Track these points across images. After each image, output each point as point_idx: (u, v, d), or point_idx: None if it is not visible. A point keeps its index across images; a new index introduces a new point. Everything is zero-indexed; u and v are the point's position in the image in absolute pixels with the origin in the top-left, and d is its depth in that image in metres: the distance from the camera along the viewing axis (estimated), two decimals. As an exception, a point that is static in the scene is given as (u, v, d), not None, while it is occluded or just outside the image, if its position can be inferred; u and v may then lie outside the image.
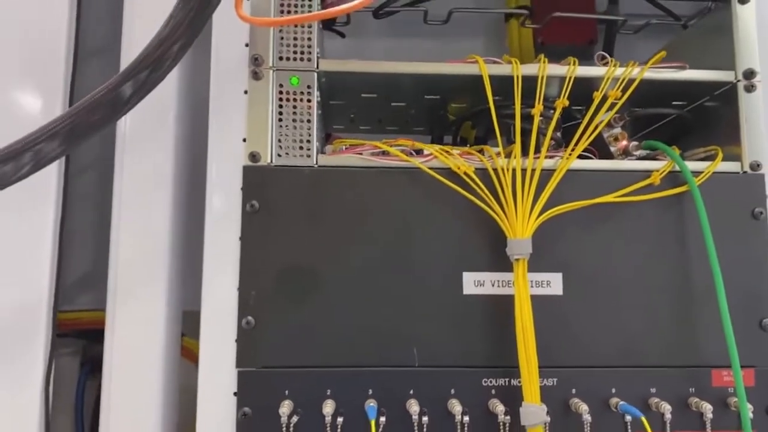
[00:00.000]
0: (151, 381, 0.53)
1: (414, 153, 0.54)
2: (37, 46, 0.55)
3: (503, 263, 0.51)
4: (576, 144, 0.53)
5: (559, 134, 0.58)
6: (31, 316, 0.53)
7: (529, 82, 0.54)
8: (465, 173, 0.51)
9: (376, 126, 0.70)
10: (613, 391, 0.51)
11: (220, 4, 0.45)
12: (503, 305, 0.51)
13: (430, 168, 0.52)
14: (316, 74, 0.53)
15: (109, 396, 0.53)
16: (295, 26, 0.53)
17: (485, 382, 0.51)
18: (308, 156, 0.52)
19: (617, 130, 0.60)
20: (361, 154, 0.53)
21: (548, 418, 0.48)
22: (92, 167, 0.78)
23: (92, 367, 0.81)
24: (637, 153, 0.59)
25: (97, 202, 0.78)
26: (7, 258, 0.52)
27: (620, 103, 0.55)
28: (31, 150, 0.44)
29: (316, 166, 0.52)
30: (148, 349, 0.54)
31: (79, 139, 0.45)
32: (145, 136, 0.55)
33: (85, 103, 0.45)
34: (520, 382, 0.49)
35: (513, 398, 0.50)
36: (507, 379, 0.51)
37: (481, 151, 0.53)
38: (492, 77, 0.54)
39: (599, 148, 0.58)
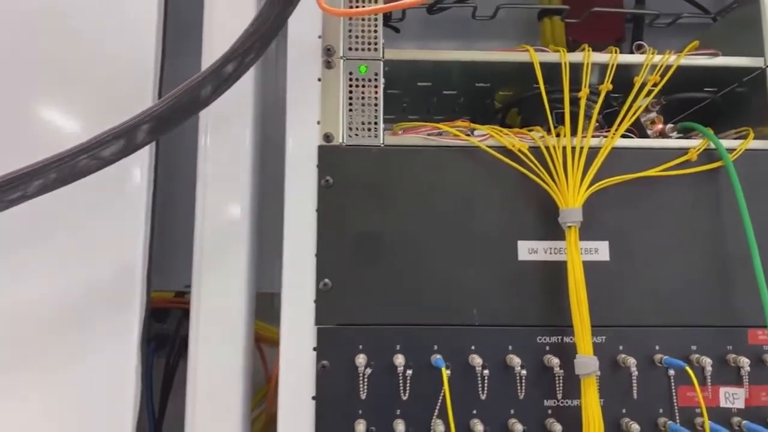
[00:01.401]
0: (234, 358, 0.57)
1: (470, 133, 0.59)
2: (130, 48, 0.61)
3: (554, 232, 0.56)
4: (620, 124, 0.58)
5: (601, 117, 0.63)
6: (128, 287, 0.58)
7: (571, 70, 0.59)
8: (519, 150, 0.57)
9: (425, 116, 0.76)
10: (657, 348, 0.55)
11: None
12: (555, 270, 0.56)
13: (487, 146, 0.57)
14: (381, 63, 0.58)
15: (195, 373, 0.57)
16: (362, 19, 0.58)
17: (540, 339, 0.55)
18: (375, 136, 0.58)
19: (653, 115, 0.65)
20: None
21: (599, 372, 0.53)
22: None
23: (157, 344, 0.87)
24: (673, 135, 0.64)
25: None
26: (108, 233, 0.58)
27: (658, 87, 0.60)
28: (138, 129, 0.50)
29: (382, 145, 0.58)
30: (230, 328, 0.58)
31: (171, 124, 0.51)
32: (227, 124, 0.61)
33: (184, 88, 0.51)
34: (571, 339, 0.54)
35: (566, 354, 0.54)
36: (559, 337, 0.55)
37: (530, 132, 0.59)
38: (541, 65, 0.60)
39: (637, 131, 0.63)
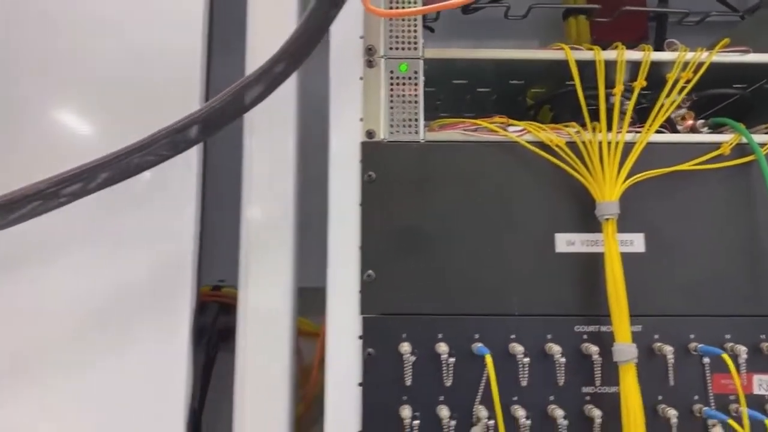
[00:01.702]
0: (281, 352, 0.59)
1: (506, 129, 0.61)
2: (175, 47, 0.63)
3: (591, 225, 0.58)
4: (654, 119, 0.59)
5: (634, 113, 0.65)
6: (178, 281, 0.60)
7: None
8: (557, 145, 0.59)
9: (456, 113, 0.77)
10: (692, 336, 0.57)
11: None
12: (592, 262, 0.58)
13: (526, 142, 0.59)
14: (422, 61, 0.60)
15: (243, 368, 0.59)
16: (403, 20, 0.60)
17: (577, 328, 0.57)
18: (416, 132, 0.60)
19: (683, 111, 0.67)
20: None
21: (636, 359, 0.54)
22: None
23: (198, 337, 0.89)
24: (704, 130, 0.66)
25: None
26: (158, 228, 0.60)
27: (692, 84, 0.61)
28: (190, 128, 0.53)
29: (422, 141, 0.60)
30: (277, 322, 0.60)
31: (222, 123, 0.54)
32: (270, 123, 0.62)
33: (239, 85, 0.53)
34: (608, 328, 0.56)
35: (603, 342, 0.56)
36: (597, 327, 0.57)
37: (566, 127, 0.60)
38: (573, 62, 0.61)
39: (669, 127, 0.65)
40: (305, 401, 0.78)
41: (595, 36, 0.88)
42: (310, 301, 0.64)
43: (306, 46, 0.54)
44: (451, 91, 0.71)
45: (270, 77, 0.53)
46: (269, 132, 0.63)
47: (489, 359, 0.52)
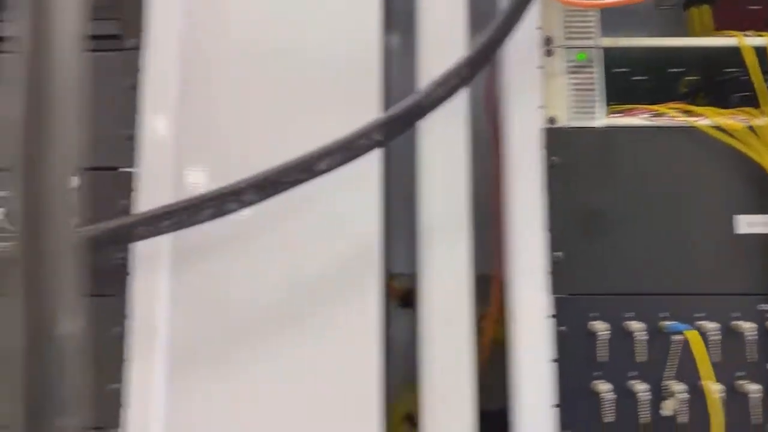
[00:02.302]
0: (463, 337, 0.60)
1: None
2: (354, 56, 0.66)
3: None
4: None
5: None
6: (367, 267, 0.62)
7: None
8: (736, 130, 0.60)
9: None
10: None
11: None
12: (772, 242, 0.60)
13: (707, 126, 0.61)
14: (599, 50, 0.62)
15: (432, 352, 0.60)
16: (580, 10, 0.62)
17: (759, 307, 0.59)
18: (594, 118, 0.62)
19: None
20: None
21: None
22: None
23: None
24: None
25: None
26: (348, 218, 0.63)
27: None
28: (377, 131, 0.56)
29: (602, 126, 0.62)
30: (458, 306, 0.61)
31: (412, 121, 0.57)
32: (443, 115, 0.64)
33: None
34: (792, 307, 0.58)
35: (787, 321, 0.58)
36: (780, 305, 0.59)
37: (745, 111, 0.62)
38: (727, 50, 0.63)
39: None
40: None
41: (718, 25, 0.89)
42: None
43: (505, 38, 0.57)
44: (610, 79, 0.72)
45: (474, 63, 0.56)
46: (445, 125, 0.64)
47: (695, 335, 0.54)
